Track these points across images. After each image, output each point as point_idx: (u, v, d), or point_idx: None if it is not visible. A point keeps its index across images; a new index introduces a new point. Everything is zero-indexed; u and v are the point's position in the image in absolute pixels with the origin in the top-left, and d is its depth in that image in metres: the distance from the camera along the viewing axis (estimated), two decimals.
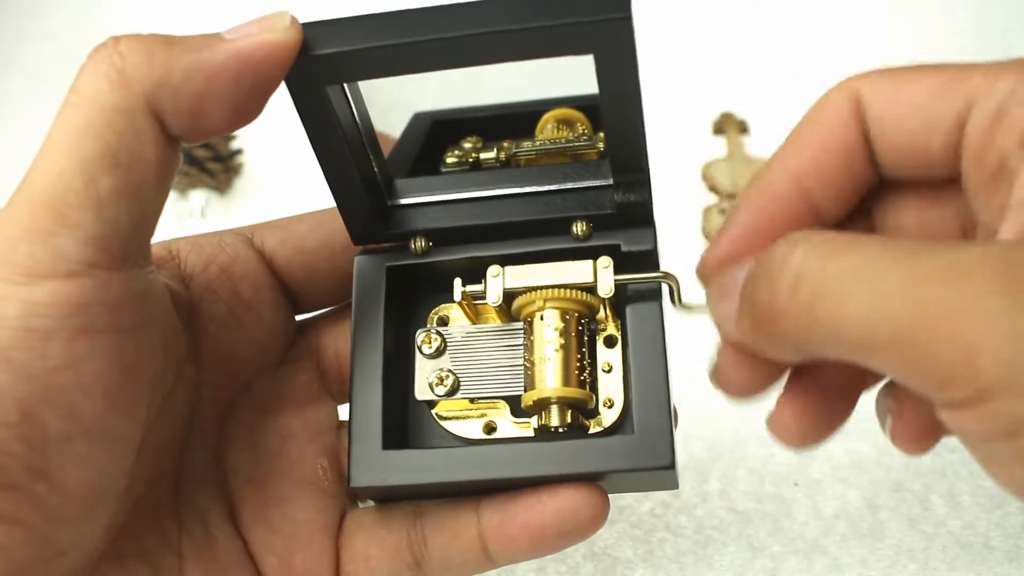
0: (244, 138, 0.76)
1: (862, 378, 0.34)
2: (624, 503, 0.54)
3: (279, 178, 0.76)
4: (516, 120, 0.47)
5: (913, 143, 0.31)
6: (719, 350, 0.33)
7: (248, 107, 0.32)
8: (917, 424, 0.32)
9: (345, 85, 0.35)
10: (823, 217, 0.33)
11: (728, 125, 0.73)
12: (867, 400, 0.35)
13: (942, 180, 0.32)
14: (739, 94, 0.75)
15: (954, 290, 0.24)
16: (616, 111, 0.34)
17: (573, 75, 0.33)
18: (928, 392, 0.25)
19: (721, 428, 0.57)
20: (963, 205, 0.32)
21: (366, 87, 0.37)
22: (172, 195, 0.74)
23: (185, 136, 0.32)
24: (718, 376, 0.34)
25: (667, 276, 0.36)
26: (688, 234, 0.67)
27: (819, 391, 0.33)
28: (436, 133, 0.48)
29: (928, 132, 0.31)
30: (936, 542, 0.51)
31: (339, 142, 0.35)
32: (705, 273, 0.34)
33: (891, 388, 0.34)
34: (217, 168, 0.74)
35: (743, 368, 0.32)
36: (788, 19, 0.80)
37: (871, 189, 0.34)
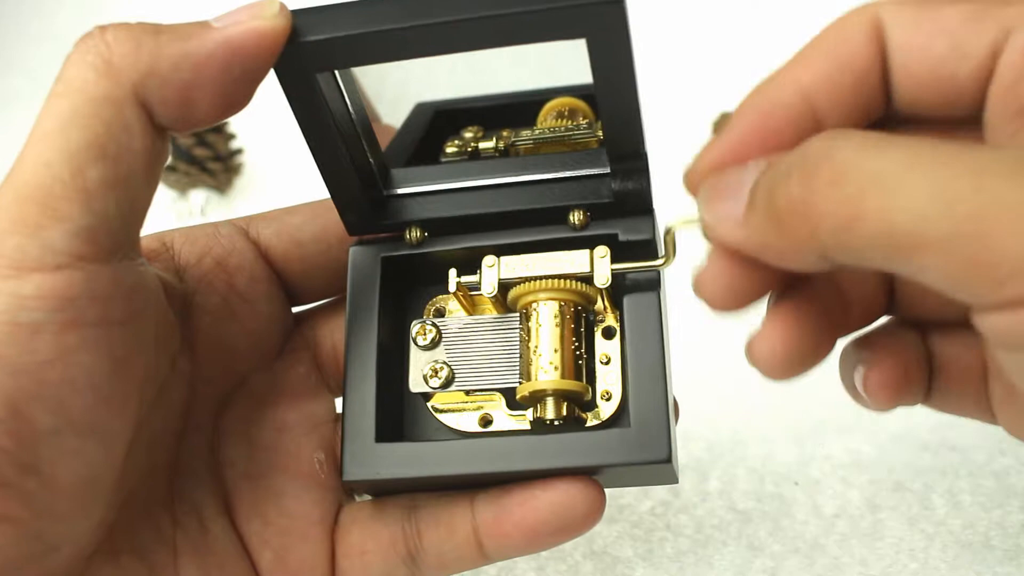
0: (244, 138, 0.76)
1: (845, 319, 0.33)
2: (624, 502, 0.54)
3: (279, 178, 0.76)
4: (519, 110, 0.46)
5: (938, 71, 0.30)
6: (708, 256, 0.31)
7: (237, 96, 0.32)
8: (892, 373, 0.32)
9: (336, 72, 0.35)
10: None
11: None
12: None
13: (958, 118, 0.30)
14: (739, 94, 0.75)
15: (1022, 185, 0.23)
16: (611, 98, 0.33)
17: (585, 63, 0.33)
18: (978, 292, 0.23)
19: (721, 428, 0.57)
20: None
21: (374, 79, 0.37)
22: (172, 195, 0.74)
23: (174, 126, 0.32)
24: (703, 284, 0.31)
25: (666, 259, 0.36)
26: (688, 234, 0.67)
27: (807, 318, 0.31)
28: (438, 123, 0.48)
29: (956, 59, 0.29)
30: (936, 541, 0.51)
31: (331, 131, 0.35)
32: (696, 177, 0.32)
33: (866, 339, 0.33)
34: (217, 168, 0.74)
35: (734, 276, 0.31)
36: (788, 19, 0.79)
37: (879, 120, 0.32)
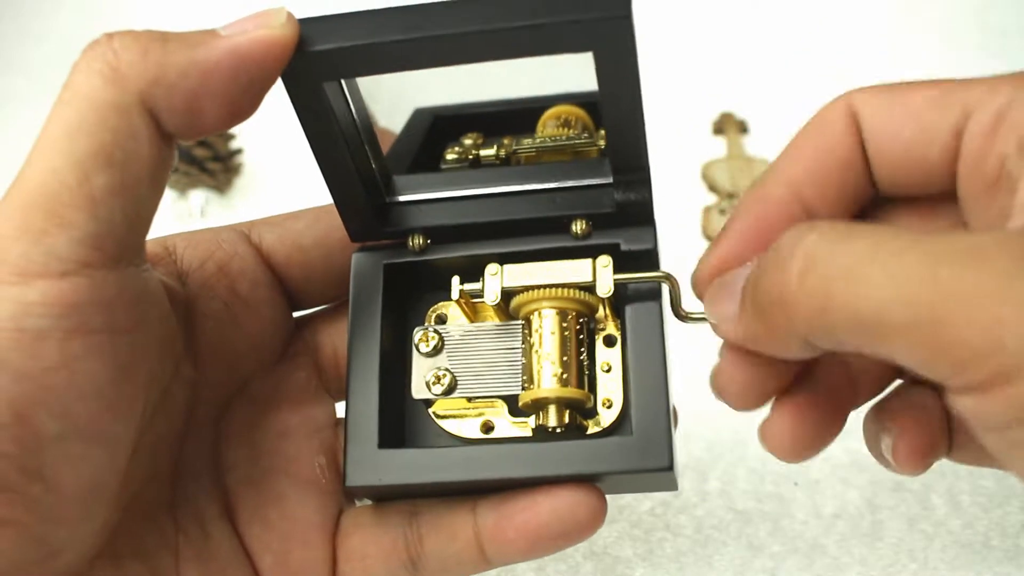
0: (244, 138, 0.76)
1: (854, 394, 0.34)
2: (624, 502, 0.54)
3: (279, 178, 0.76)
4: (518, 116, 0.46)
5: (910, 153, 0.31)
6: (721, 356, 0.33)
7: (244, 104, 0.32)
8: (919, 440, 0.32)
9: (342, 81, 0.35)
10: None
11: (728, 125, 0.73)
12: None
13: (937, 195, 0.32)
14: (739, 94, 0.75)
15: (975, 271, 0.23)
16: (616, 109, 0.33)
17: (581, 71, 0.33)
18: (945, 375, 0.24)
19: (721, 428, 0.57)
20: (957, 220, 0.32)
21: (369, 81, 0.37)
22: (172, 195, 0.74)
23: (180, 133, 0.32)
24: (718, 382, 0.33)
25: (667, 277, 0.36)
26: (688, 234, 0.67)
27: (814, 403, 0.32)
28: (437, 129, 0.48)
29: (925, 142, 0.31)
30: (936, 541, 0.51)
31: (336, 139, 0.35)
32: (701, 282, 0.34)
33: (886, 407, 0.34)
34: (217, 168, 0.74)
35: (744, 372, 0.32)
36: (788, 19, 0.79)
37: (867, 203, 0.33)
